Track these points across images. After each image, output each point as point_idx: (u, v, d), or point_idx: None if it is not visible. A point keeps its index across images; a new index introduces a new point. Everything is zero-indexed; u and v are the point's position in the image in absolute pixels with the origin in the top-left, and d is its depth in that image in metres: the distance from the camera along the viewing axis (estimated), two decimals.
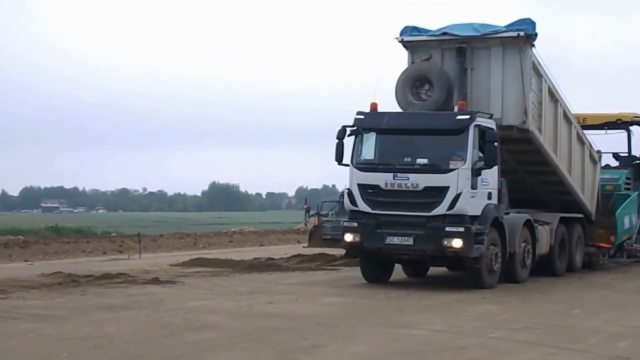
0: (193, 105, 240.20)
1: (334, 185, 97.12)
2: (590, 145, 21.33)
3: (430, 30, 18.28)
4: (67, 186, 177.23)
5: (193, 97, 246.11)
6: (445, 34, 18.01)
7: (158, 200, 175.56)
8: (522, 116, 17.63)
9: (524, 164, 19.51)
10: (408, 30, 18.38)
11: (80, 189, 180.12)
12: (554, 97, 19.07)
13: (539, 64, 18.18)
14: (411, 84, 17.88)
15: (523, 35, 17.47)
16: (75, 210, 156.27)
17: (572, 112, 20.24)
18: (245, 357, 9.95)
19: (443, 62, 18.08)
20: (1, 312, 13.22)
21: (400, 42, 18.39)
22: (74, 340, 10.83)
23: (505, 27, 17.77)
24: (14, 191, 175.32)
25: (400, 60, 18.51)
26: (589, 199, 21.27)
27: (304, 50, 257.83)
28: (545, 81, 18.53)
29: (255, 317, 12.89)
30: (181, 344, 10.67)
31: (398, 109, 17.92)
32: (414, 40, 18.32)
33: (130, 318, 12.77)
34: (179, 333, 11.40)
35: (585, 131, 21.28)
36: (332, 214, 32.30)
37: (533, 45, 17.80)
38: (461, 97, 17.49)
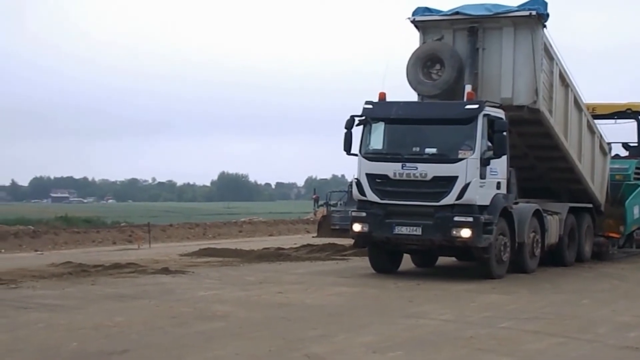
0: (202, 95, 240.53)
1: (343, 175, 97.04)
2: (601, 136, 21.29)
3: (442, 11, 18.28)
4: (76, 176, 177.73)
5: (202, 87, 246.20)
6: (457, 13, 18.00)
7: (167, 190, 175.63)
8: (533, 96, 17.57)
9: (534, 149, 19.46)
10: (420, 10, 18.39)
11: (90, 179, 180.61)
12: (564, 81, 19.03)
13: (550, 46, 18.14)
14: (422, 63, 17.88)
15: (535, 15, 17.43)
16: (85, 200, 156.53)
17: (584, 101, 20.20)
18: (255, 346, 9.96)
19: (455, 42, 18.06)
20: (12, 301, 13.29)
21: (412, 22, 18.39)
22: (84, 329, 10.86)
23: (517, 7, 17.74)
24: (24, 181, 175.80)
25: (412, 40, 18.55)
26: (598, 188, 21.23)
27: (314, 35, 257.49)
28: (557, 64, 18.49)
29: (265, 307, 12.91)
30: (191, 333, 10.70)
31: (409, 91, 17.96)
32: (426, 21, 18.33)
33: (140, 308, 12.80)
34: (188, 323, 11.42)
35: (595, 121, 21.23)
36: (340, 204, 32.40)
37: (544, 26, 17.76)
38: (472, 77, 17.50)
